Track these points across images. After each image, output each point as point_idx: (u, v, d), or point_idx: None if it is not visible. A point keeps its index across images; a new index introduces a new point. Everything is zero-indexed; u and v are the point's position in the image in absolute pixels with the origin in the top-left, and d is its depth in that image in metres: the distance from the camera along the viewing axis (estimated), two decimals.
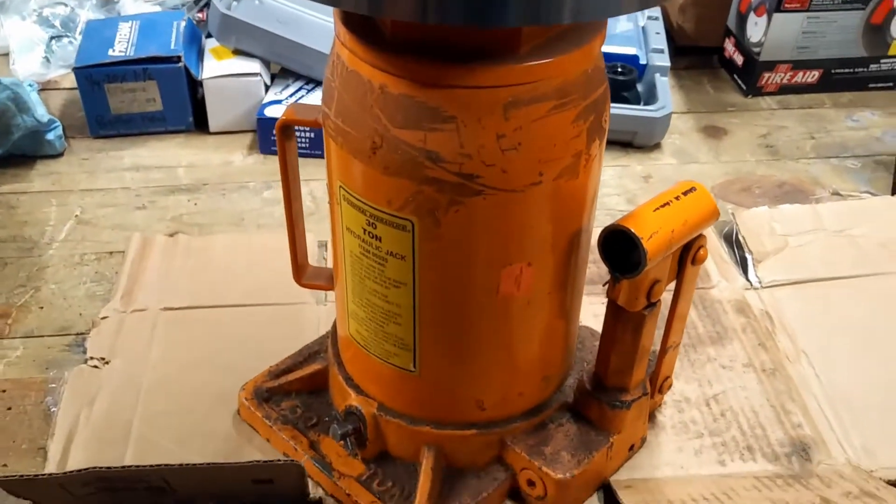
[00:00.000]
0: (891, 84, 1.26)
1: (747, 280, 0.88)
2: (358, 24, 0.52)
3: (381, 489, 0.64)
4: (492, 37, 0.50)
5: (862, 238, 0.91)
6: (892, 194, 1.02)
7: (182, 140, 1.09)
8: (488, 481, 0.65)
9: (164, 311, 0.82)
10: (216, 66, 1.08)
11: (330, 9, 0.51)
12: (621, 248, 0.57)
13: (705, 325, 0.81)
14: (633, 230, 0.56)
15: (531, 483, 0.64)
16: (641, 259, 0.56)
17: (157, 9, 1.31)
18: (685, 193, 0.60)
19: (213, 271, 0.86)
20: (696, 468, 0.68)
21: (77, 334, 0.80)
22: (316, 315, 0.82)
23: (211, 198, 0.97)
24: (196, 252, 0.88)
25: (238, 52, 1.09)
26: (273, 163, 1.02)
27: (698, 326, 0.81)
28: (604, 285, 0.61)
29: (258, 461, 0.58)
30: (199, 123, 1.10)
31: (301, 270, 0.70)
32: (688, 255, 0.61)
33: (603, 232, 0.57)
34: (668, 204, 0.58)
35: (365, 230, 0.57)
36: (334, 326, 0.71)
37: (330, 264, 0.69)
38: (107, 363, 0.76)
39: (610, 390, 0.65)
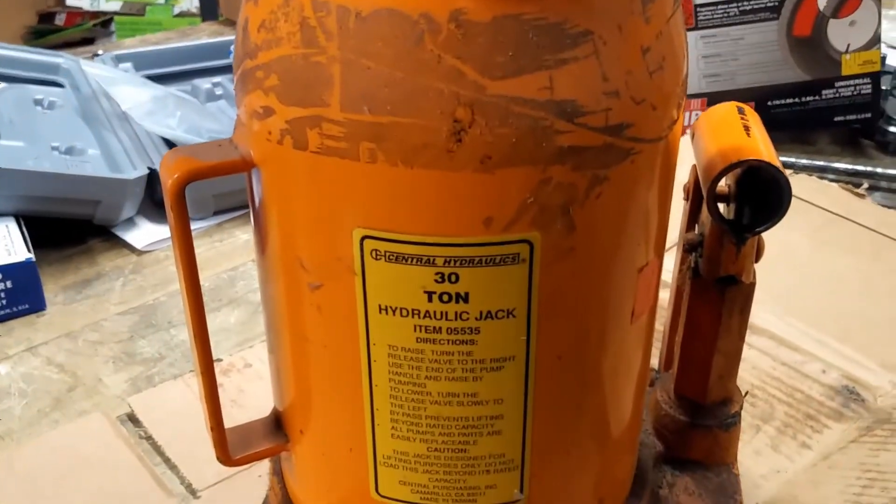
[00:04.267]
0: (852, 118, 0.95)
1: None
2: None
3: None
4: None
5: None
6: None
7: None
8: None
9: None
10: None
11: None
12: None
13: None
14: (768, 161, 0.40)
15: None
16: (786, 196, 0.40)
17: None
18: (742, 113, 0.46)
19: None
20: (789, 464, 0.54)
21: None
22: None
23: None
24: None
25: None
26: None
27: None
28: (688, 251, 0.44)
29: None
30: None
31: (225, 440, 0.41)
32: None
33: (720, 174, 0.40)
34: (748, 129, 0.44)
35: (432, 295, 0.33)
36: None
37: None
38: None
39: (711, 409, 0.48)
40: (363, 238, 0.32)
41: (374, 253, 0.33)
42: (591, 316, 0.35)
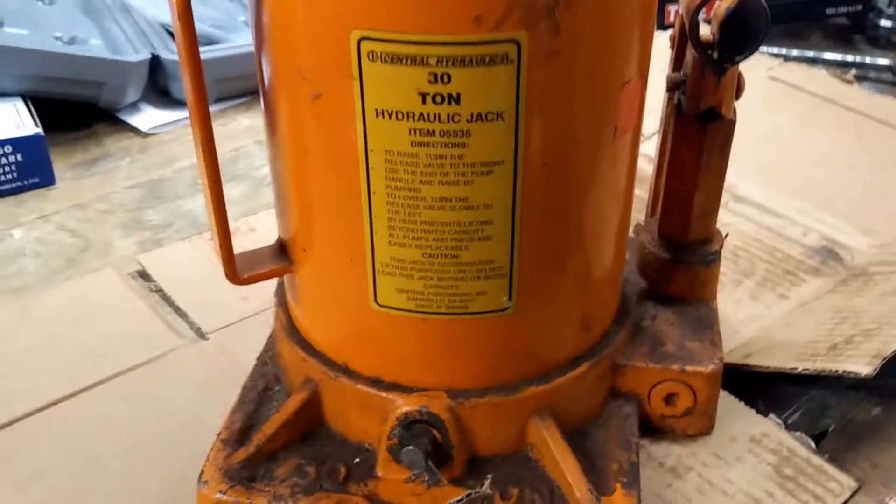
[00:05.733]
0: None
1: None
2: None
3: (511, 503, 0.42)
4: None
5: None
6: None
7: None
8: (622, 423, 0.46)
9: None
10: None
11: None
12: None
13: None
14: None
15: (671, 399, 0.47)
16: (763, 24, 0.42)
17: None
18: None
19: (7, 365, 0.53)
20: (767, 311, 0.57)
21: None
22: (204, 352, 0.54)
23: None
24: None
25: None
26: None
27: None
28: (671, 88, 0.47)
29: None
30: None
31: (233, 259, 0.44)
32: None
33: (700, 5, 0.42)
34: None
35: (425, 96, 0.35)
36: (289, 333, 0.46)
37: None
38: None
39: (694, 246, 0.50)
40: (360, 39, 0.34)
41: (370, 55, 0.35)
42: (577, 123, 0.38)
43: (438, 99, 0.35)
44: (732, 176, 0.69)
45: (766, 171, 0.71)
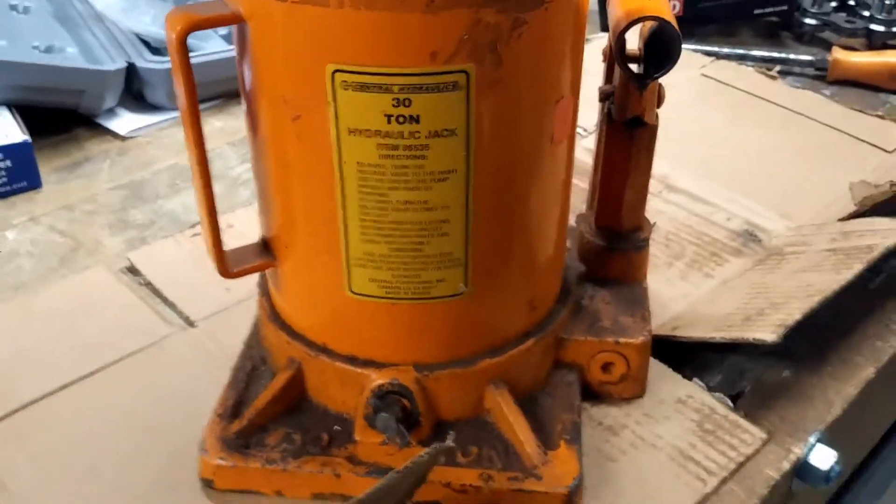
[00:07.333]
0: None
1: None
2: None
3: (471, 459, 0.49)
4: None
5: None
6: None
7: None
8: (566, 389, 0.53)
9: None
10: None
11: None
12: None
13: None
14: (664, 17, 0.48)
15: (607, 367, 0.54)
16: (676, 45, 0.49)
17: None
18: None
19: (14, 356, 0.59)
20: (694, 289, 0.64)
21: None
22: (194, 339, 0.60)
23: None
24: None
25: None
26: None
27: None
28: (602, 99, 0.53)
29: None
30: None
31: (224, 256, 0.50)
32: None
33: (625, 29, 0.49)
34: None
35: (390, 117, 0.41)
36: (272, 319, 0.52)
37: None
38: None
39: (626, 235, 0.57)
40: (334, 71, 0.41)
41: (343, 84, 0.41)
42: (518, 136, 0.44)
43: (401, 119, 0.41)
44: (668, 168, 0.77)
45: (698, 163, 0.79)
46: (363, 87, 0.41)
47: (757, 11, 1.04)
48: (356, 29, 0.40)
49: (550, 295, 0.53)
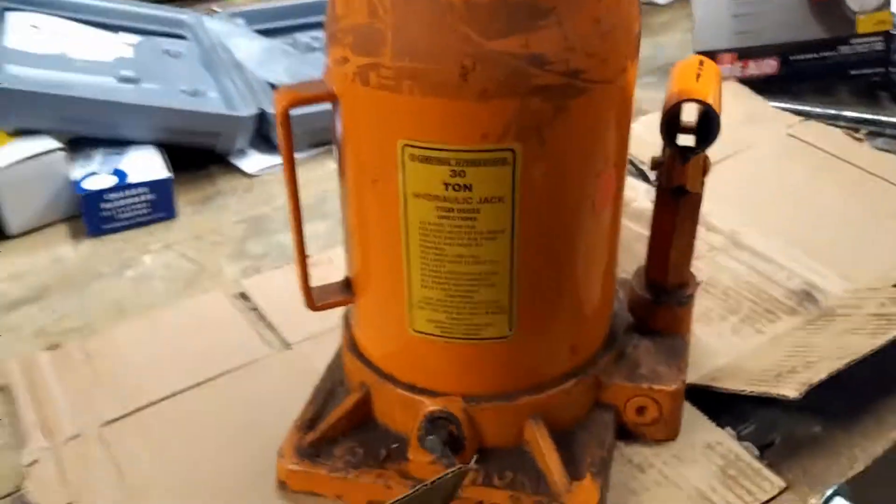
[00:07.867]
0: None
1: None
2: None
3: (506, 482, 0.56)
4: None
5: None
6: None
7: None
8: (601, 427, 0.59)
9: (104, 426, 0.64)
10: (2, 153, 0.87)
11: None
12: (678, 125, 0.57)
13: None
14: (704, 100, 0.55)
15: (641, 410, 0.60)
16: (715, 126, 0.55)
17: None
18: (701, 64, 0.60)
19: (132, 367, 0.70)
20: (742, 343, 0.69)
21: (8, 495, 0.60)
22: (287, 360, 0.70)
23: (66, 300, 0.78)
24: (98, 355, 0.70)
25: (18, 133, 0.89)
26: (115, 242, 0.85)
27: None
28: (653, 168, 0.60)
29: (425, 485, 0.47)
30: None
31: (311, 292, 0.59)
32: None
33: (671, 109, 0.55)
34: (699, 76, 0.58)
35: (448, 185, 0.49)
36: (350, 348, 0.61)
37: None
38: None
39: (672, 291, 0.63)
40: (404, 146, 0.49)
41: (410, 156, 0.49)
42: (559, 203, 0.51)
43: (457, 187, 0.49)
44: (738, 224, 0.82)
45: (769, 220, 0.83)
46: (426, 160, 0.49)
47: (853, 72, 1.07)
48: (422, 112, 0.48)
49: (593, 341, 0.60)
